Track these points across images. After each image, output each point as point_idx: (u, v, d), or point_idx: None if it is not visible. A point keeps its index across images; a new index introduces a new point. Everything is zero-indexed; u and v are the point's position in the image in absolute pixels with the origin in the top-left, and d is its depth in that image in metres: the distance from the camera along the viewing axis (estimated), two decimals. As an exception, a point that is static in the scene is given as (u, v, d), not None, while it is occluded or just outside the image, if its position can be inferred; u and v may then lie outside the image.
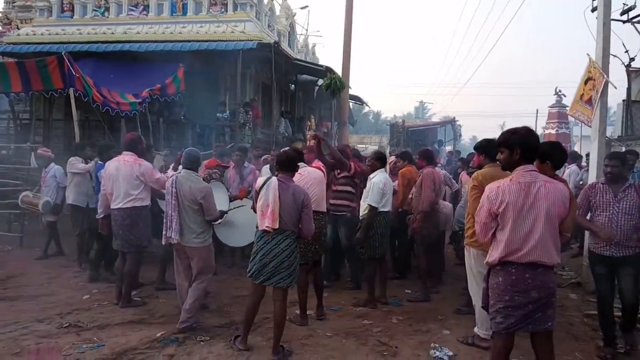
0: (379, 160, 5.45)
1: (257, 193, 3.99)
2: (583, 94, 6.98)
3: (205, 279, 4.55)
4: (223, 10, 12.84)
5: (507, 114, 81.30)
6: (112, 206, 5.09)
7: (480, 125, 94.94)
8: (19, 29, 14.92)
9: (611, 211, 4.02)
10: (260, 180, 4.08)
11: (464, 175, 7.38)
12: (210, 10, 12.89)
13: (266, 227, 3.85)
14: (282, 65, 12.60)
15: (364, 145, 35.03)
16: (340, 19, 13.96)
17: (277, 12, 15.75)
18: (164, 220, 4.43)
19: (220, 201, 5.12)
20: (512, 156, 2.86)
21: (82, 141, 7.62)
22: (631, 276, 3.98)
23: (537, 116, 23.47)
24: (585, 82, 6.98)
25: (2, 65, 8.26)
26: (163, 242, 4.48)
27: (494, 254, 2.82)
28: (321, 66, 13.92)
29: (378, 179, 5.23)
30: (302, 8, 18.50)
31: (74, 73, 7.69)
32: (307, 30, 19.93)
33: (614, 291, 4.20)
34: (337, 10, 17.27)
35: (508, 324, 2.76)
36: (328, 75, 12.69)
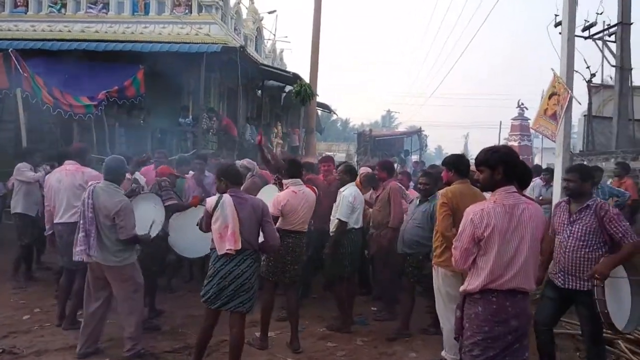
0: (348, 173, 5.21)
1: (210, 215, 3.65)
2: (547, 108, 7.01)
3: (135, 297, 4.05)
4: (187, 11, 12.43)
5: (472, 125, 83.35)
6: (56, 220, 4.69)
7: (445, 135, 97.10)
8: (-33, 23, 14.04)
9: (562, 234, 3.62)
10: (211, 201, 3.71)
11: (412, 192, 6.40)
12: (174, 11, 12.45)
13: (227, 250, 3.54)
14: (248, 71, 12.30)
15: (332, 153, 35.04)
16: (308, 25, 13.84)
17: (244, 16, 15.44)
18: (77, 235, 3.94)
19: (152, 217, 4.47)
20: (494, 176, 2.67)
21: (30, 146, 7.10)
22: (585, 317, 3.52)
23: (500, 128, 24.02)
24: (550, 97, 7.02)
25: (-58, 62, 7.64)
26: (80, 259, 3.92)
27: (474, 282, 2.62)
28: (289, 72, 13.70)
29: (348, 192, 4.98)
30: (269, 12, 18.43)
31: (21, 72, 7.18)
32: (274, 35, 19.72)
33: (555, 321, 3.81)
34: (305, 17, 17.11)
35: (486, 356, 2.57)
36: (298, 82, 12.49)
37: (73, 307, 4.70)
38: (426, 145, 21.04)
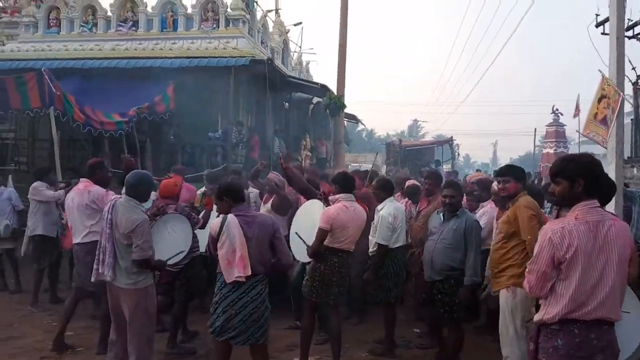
0: (383, 189, 4.80)
1: (215, 239, 3.33)
2: (597, 112, 6.59)
3: (145, 323, 3.65)
4: (215, 26, 12.45)
5: (500, 133, 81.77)
6: (73, 241, 4.55)
7: (473, 144, 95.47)
8: (4, 45, 14.44)
9: None
10: (215, 224, 3.40)
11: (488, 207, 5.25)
12: (202, 26, 12.50)
13: (237, 278, 3.22)
14: (276, 83, 12.19)
15: (358, 164, 34.74)
16: (334, 36, 13.67)
17: (270, 29, 15.41)
18: (97, 253, 3.70)
19: (177, 242, 4.16)
20: (573, 189, 2.33)
21: (45, 165, 7.07)
22: None
23: (535, 135, 23.24)
24: (599, 101, 6.60)
25: (-22, 83, 7.73)
26: (92, 279, 3.71)
27: (551, 311, 2.28)
28: (316, 84, 13.53)
29: (386, 211, 4.61)
30: (295, 25, 18.26)
31: (54, 91, 7.18)
32: (300, 47, 19.65)
33: None
34: (332, 28, 17.00)
35: None
36: (328, 94, 12.29)
37: (103, 332, 4.44)
38: (458, 155, 20.51)
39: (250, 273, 3.24)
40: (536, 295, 2.40)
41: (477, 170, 15.19)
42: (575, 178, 2.31)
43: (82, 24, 13.14)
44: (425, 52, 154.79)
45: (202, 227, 4.87)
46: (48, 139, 11.12)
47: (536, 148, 36.96)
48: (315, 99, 14.75)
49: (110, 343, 3.81)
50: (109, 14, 13.08)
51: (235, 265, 3.24)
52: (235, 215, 3.34)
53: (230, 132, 10.72)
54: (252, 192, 6.58)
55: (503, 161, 74.61)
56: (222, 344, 3.40)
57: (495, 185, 4.55)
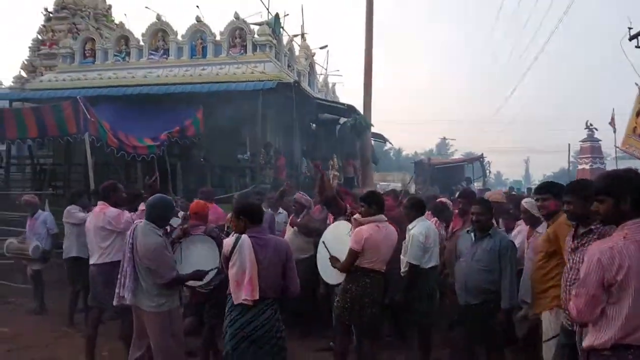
0: (414, 208, 4.67)
1: (227, 258, 3.28)
2: (636, 126, 6.37)
3: (171, 349, 3.57)
4: (242, 51, 12.74)
5: (532, 149, 79.99)
6: (90, 262, 4.64)
7: (504, 160, 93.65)
8: (42, 75, 15.11)
9: None
10: (228, 242, 3.32)
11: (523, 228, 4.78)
12: (230, 52, 12.80)
13: (243, 300, 3.17)
14: (302, 105, 12.30)
15: (386, 183, 34.47)
16: (360, 56, 13.75)
17: (297, 53, 15.65)
18: (119, 276, 3.71)
19: (204, 261, 4.03)
20: (619, 207, 2.21)
21: (78, 189, 7.24)
22: None
23: (569, 151, 22.53)
24: (638, 115, 6.38)
25: (19, 112, 8.13)
26: (114, 303, 3.72)
27: (602, 336, 2.14)
28: (342, 104, 13.60)
29: (418, 230, 4.45)
30: (321, 48, 18.45)
31: (89, 117, 7.44)
32: (326, 69, 19.82)
33: None
34: (358, 48, 17.14)
35: None
36: (353, 115, 12.33)
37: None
38: (489, 172, 20.10)
39: (257, 297, 3.16)
40: (585, 320, 2.26)
41: (503, 189, 14.81)
42: (621, 195, 2.19)
43: (116, 54, 13.67)
44: (454, 69, 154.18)
45: None
46: (83, 163, 11.54)
47: (570, 164, 36.01)
48: (342, 119, 14.79)
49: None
50: (141, 43, 13.58)
51: (243, 288, 3.17)
52: (249, 236, 3.28)
53: (259, 153, 10.82)
54: (282, 213, 6.57)
55: (536, 178, 72.97)
56: None
57: (524, 203, 4.40)
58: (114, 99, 11.31)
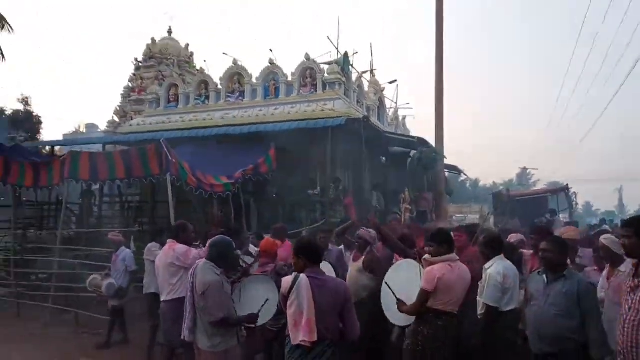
0: (490, 246, 4.37)
1: (286, 298, 3.27)
2: None
3: None
4: (313, 90, 13.14)
5: (625, 178, 73.91)
6: (161, 299, 4.84)
7: (594, 190, 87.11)
8: (132, 119, 16.52)
9: (624, 306, 2.91)
10: (287, 281, 3.31)
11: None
12: (301, 91, 13.25)
13: (301, 342, 3.13)
14: (372, 139, 12.35)
15: (463, 215, 33.22)
16: (431, 86, 13.63)
17: (366, 88, 15.85)
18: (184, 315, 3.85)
19: (261, 301, 4.03)
20: None
21: (159, 226, 7.58)
22: None
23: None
24: None
25: (110, 155, 8.87)
26: (181, 339, 3.86)
27: None
28: (413, 137, 13.48)
29: (495, 269, 4.18)
30: (390, 83, 18.59)
31: (170, 159, 7.95)
32: (396, 103, 19.86)
33: None
34: (428, 80, 17.02)
35: None
36: (420, 148, 12.16)
37: None
38: (576, 204, 18.69)
39: (315, 339, 3.11)
40: None
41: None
42: None
43: (196, 98, 14.65)
44: (536, 95, 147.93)
45: None
46: (166, 201, 12.31)
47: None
48: (413, 152, 14.63)
49: None
50: (219, 86, 14.46)
51: (301, 329, 3.14)
52: (308, 277, 3.25)
53: (328, 189, 10.93)
54: (333, 249, 6.36)
55: (631, 208, 66.97)
56: None
57: (602, 239, 4.04)
58: (194, 140, 12.05)
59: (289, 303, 3.25)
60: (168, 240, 5.00)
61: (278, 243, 5.65)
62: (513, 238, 5.41)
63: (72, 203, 12.97)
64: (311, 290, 3.17)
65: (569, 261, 4.03)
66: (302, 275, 3.27)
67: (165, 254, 4.84)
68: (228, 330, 3.76)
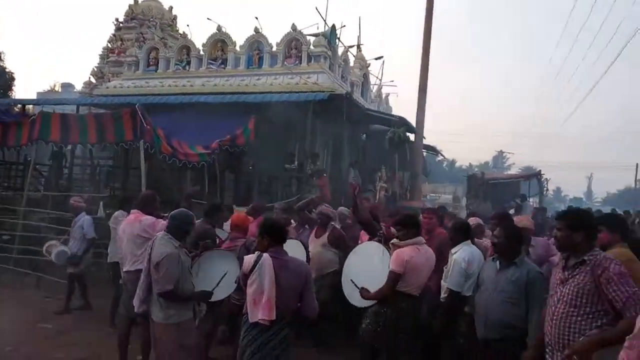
0: (458, 232, 4.41)
1: (246, 276, 3.28)
2: None
3: None
4: (297, 62, 12.91)
5: (597, 166, 75.68)
6: (123, 269, 4.78)
7: (565, 176, 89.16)
8: (109, 81, 16.02)
9: (552, 297, 2.94)
10: (249, 260, 3.31)
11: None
12: (285, 62, 13.00)
13: (260, 320, 3.16)
14: (353, 115, 12.28)
15: (437, 195, 33.64)
16: (415, 66, 13.56)
17: (351, 63, 15.66)
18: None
19: (217, 278, 4.05)
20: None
21: (127, 194, 7.45)
22: None
23: (637, 170, 20.92)
24: None
25: (82, 117, 8.61)
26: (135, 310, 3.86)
27: None
28: (394, 116, 13.46)
29: (460, 255, 4.20)
30: (376, 59, 18.35)
31: (145, 125, 7.76)
32: (380, 80, 19.70)
33: None
34: (413, 59, 16.92)
35: None
36: (391, 129, 12.12)
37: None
38: (547, 190, 19.08)
39: (274, 318, 3.14)
40: None
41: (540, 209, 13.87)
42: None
43: (177, 63, 14.26)
44: (518, 81, 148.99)
45: None
46: (139, 167, 12.09)
47: (638, 183, 33.69)
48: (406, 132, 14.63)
49: None
50: (201, 52, 14.07)
51: (260, 307, 3.16)
52: (271, 256, 3.26)
53: (306, 164, 10.88)
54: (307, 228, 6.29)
55: (599, 195, 68.95)
56: None
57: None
58: (172, 107, 11.79)
59: (249, 282, 3.24)
60: (133, 211, 4.90)
61: (250, 218, 5.64)
62: (472, 222, 5.45)
63: (41, 164, 12.68)
64: (273, 270, 3.18)
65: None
66: (265, 255, 3.26)
67: (130, 225, 4.74)
68: (183, 304, 3.75)
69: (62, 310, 6.86)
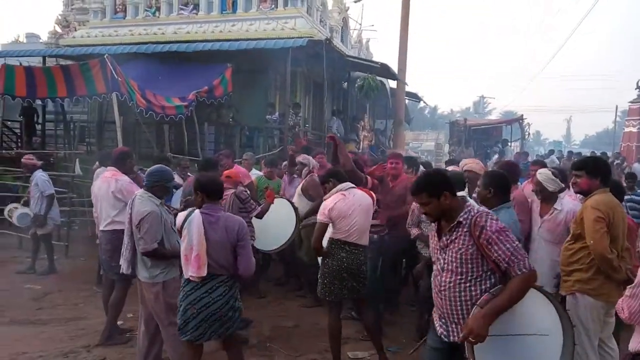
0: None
1: (179, 232, 3.25)
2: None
3: (170, 320, 3.58)
4: (273, 6, 12.30)
5: (577, 109, 76.52)
6: (97, 229, 4.61)
7: (544, 120, 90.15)
8: (76, 30, 15.15)
9: (436, 265, 2.71)
10: (181, 216, 3.29)
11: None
12: (260, 7, 12.38)
13: (190, 276, 3.12)
14: (334, 63, 11.91)
15: (419, 142, 33.70)
16: (396, 11, 13.09)
17: (330, 7, 15.04)
18: (122, 248, 3.78)
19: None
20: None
21: (106, 150, 7.15)
22: None
23: (616, 112, 21.06)
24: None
25: (48, 70, 8.13)
26: (121, 271, 3.79)
27: None
28: (376, 62, 13.09)
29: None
30: (355, 2, 17.77)
31: (116, 77, 7.36)
32: (360, 25, 19.10)
33: None
34: (393, 3, 16.32)
35: None
36: (364, 76, 11.75)
37: (109, 322, 4.46)
38: (529, 134, 19.17)
39: (204, 274, 3.09)
40: (637, 322, 2.07)
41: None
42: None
43: (146, 9, 13.48)
44: (499, 23, 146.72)
45: (259, 216, 4.95)
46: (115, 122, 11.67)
47: (616, 125, 34.18)
48: (377, 78, 14.32)
49: (139, 335, 3.85)
50: (172, -3, 13.27)
51: (190, 264, 3.11)
52: (201, 212, 3.20)
53: (287, 114, 10.61)
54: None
55: (577, 138, 70.24)
56: (188, 344, 3.27)
57: (538, 175, 4.00)
58: (143, 56, 11.21)
59: (182, 238, 3.22)
60: (109, 168, 4.65)
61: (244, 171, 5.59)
62: (451, 169, 5.25)
63: (11, 120, 12.14)
64: (202, 226, 3.12)
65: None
66: (196, 211, 3.21)
67: (106, 183, 4.51)
68: (168, 262, 3.67)
69: (25, 270, 6.73)
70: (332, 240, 3.89)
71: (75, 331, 4.77)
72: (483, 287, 2.43)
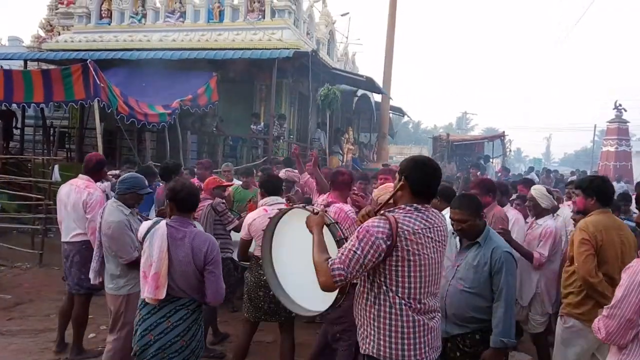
0: (444, 197, 3.63)
1: (141, 244, 2.87)
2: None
3: (121, 335, 3.46)
4: (260, 17, 12.33)
5: (557, 128, 77.98)
6: (62, 238, 4.32)
7: (525, 137, 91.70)
8: (59, 35, 14.93)
9: None
10: (144, 226, 2.86)
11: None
12: (248, 17, 12.39)
13: (146, 297, 2.68)
14: (320, 75, 11.94)
15: (402, 156, 33.90)
16: (382, 26, 13.24)
17: (317, 19, 15.13)
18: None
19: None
20: None
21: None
22: None
23: (594, 131, 21.58)
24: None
25: (27, 74, 7.94)
26: (91, 282, 3.72)
27: None
28: (361, 76, 13.18)
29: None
30: (342, 15, 17.94)
31: (98, 83, 7.23)
32: (347, 38, 19.24)
33: None
34: (380, 18, 16.52)
35: None
36: (326, 85, 11.73)
37: (76, 337, 4.28)
38: (510, 151, 19.47)
39: (162, 297, 2.65)
40: (614, 343, 2.05)
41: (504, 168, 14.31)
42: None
43: (132, 15, 13.38)
44: (478, 40, 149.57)
45: (237, 230, 4.67)
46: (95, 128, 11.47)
47: (595, 144, 34.95)
48: (360, 92, 14.41)
49: (109, 343, 3.64)
50: (158, 4, 13.23)
51: (147, 283, 2.67)
52: (168, 225, 2.77)
53: (272, 125, 10.57)
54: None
55: (556, 156, 71.60)
56: None
57: (533, 190, 4.11)
58: (128, 63, 11.10)
59: (142, 251, 2.80)
60: (82, 176, 4.37)
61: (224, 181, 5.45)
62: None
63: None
64: (166, 241, 2.69)
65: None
66: (162, 222, 2.79)
67: (78, 192, 4.24)
68: (134, 275, 3.40)
69: None
70: (252, 256, 3.72)
71: (45, 343, 4.59)
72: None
